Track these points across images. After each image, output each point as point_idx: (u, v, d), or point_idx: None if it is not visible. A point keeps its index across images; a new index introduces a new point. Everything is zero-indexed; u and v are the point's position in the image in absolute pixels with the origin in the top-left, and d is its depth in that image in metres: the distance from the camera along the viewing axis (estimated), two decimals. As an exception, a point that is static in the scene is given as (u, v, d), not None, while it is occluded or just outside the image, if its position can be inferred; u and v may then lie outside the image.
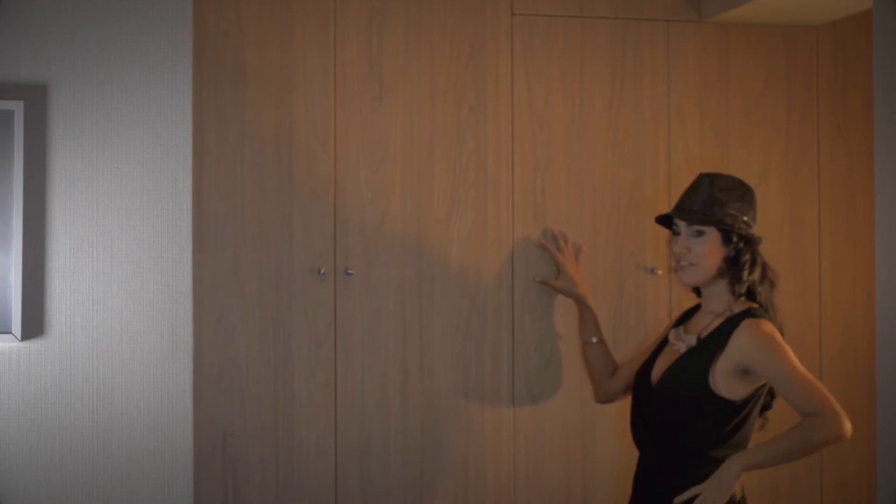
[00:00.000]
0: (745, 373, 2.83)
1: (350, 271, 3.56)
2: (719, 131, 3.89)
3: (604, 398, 3.42)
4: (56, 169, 3.18)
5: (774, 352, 2.79)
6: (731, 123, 3.90)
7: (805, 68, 3.97)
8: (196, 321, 3.39)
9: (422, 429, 3.63)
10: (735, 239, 2.89)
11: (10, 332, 3.11)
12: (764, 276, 2.93)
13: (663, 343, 3.07)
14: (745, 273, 2.89)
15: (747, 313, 2.87)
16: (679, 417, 2.86)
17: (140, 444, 3.21)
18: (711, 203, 2.90)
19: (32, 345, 3.16)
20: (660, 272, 3.79)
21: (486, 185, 3.69)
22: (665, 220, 3.06)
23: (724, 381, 2.82)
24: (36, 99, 3.16)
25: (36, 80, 3.18)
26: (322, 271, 3.51)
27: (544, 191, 3.74)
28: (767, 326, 2.83)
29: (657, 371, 2.97)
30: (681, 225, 2.93)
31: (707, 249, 2.88)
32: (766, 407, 3.03)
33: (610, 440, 3.76)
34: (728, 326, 2.86)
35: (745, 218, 2.92)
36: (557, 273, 3.65)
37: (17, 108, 3.12)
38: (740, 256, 2.89)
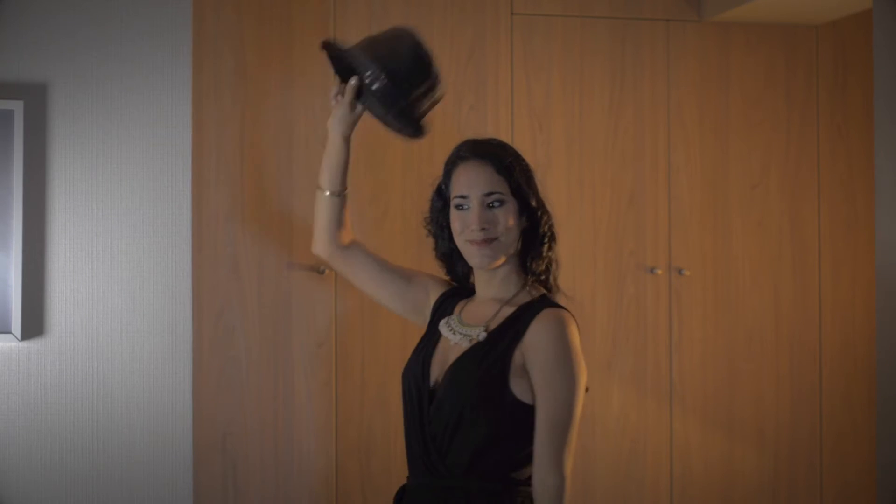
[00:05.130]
0: (526, 371, 2.33)
1: (350, 271, 3.56)
2: (719, 131, 3.89)
3: (331, 251, 2.68)
4: (56, 169, 3.18)
5: (566, 368, 2.29)
6: (731, 123, 3.90)
7: (805, 68, 3.97)
8: (196, 321, 3.39)
9: (422, 429, 3.62)
10: (534, 204, 2.44)
11: (10, 332, 3.11)
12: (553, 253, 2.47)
13: (433, 334, 2.48)
14: (546, 247, 2.43)
15: (546, 300, 2.40)
16: (473, 425, 2.31)
17: (140, 444, 3.21)
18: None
19: (32, 345, 3.16)
20: (659, 272, 3.79)
21: (486, 185, 3.68)
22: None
23: (517, 380, 2.32)
24: (36, 99, 3.17)
25: (36, 80, 3.18)
26: (322, 271, 3.51)
27: (544, 191, 3.73)
28: (573, 329, 2.34)
29: (436, 370, 2.41)
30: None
31: (512, 220, 2.40)
32: None
33: (609, 436, 3.76)
34: (526, 315, 2.36)
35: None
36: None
37: (17, 108, 3.13)
38: (539, 227, 2.44)
